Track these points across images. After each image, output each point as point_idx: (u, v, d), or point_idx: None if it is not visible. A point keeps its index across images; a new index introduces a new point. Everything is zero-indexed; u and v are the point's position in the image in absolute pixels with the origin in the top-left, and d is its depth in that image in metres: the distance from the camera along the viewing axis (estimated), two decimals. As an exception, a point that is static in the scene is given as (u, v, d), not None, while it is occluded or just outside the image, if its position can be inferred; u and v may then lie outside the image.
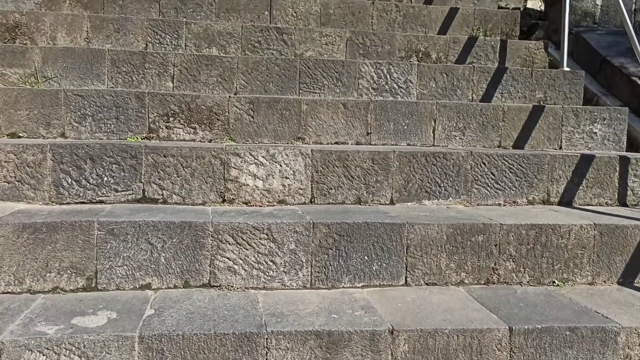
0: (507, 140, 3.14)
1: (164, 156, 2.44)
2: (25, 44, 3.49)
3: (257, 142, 2.94)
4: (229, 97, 2.93)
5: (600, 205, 2.78)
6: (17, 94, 2.75)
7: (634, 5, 4.32)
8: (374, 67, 3.44)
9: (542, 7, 4.92)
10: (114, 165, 2.40)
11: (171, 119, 2.88)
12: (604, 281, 2.34)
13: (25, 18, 3.51)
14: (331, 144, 3.01)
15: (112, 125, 2.82)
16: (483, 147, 3.11)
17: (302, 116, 2.98)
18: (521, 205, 2.70)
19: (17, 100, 2.75)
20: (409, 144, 3.07)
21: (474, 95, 3.51)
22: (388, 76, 3.45)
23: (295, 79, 3.37)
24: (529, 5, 5.08)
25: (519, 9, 5.05)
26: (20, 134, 2.75)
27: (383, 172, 2.60)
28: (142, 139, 2.84)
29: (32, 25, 3.52)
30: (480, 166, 2.67)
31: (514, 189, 2.70)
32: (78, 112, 2.80)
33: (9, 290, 1.98)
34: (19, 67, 3.13)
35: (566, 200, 2.75)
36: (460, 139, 3.11)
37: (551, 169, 2.72)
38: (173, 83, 3.27)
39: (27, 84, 3.11)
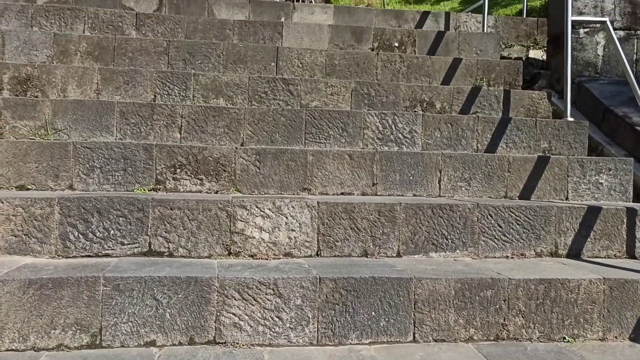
0: (513, 190, 3.14)
1: (171, 209, 2.45)
2: (36, 97, 3.56)
3: (263, 193, 2.95)
4: (236, 148, 2.95)
5: (608, 257, 2.75)
6: (27, 147, 2.79)
7: (635, 55, 4.38)
8: (379, 117, 3.48)
9: (544, 57, 5.00)
10: (120, 219, 2.41)
11: (178, 170, 2.90)
12: (615, 337, 2.29)
13: (37, 71, 3.59)
14: (337, 194, 3.02)
15: (120, 177, 2.84)
16: (489, 197, 3.11)
17: (308, 167, 3.00)
18: (529, 257, 2.68)
19: (26, 153, 2.79)
20: (415, 195, 3.08)
21: (478, 145, 3.54)
22: (393, 126, 3.48)
23: (301, 129, 3.40)
24: (531, 55, 5.17)
25: (521, 58, 5.13)
26: (28, 186, 2.78)
27: (389, 224, 2.60)
28: (149, 190, 2.86)
29: (43, 78, 3.59)
30: (487, 218, 2.66)
31: (522, 241, 2.69)
32: (86, 164, 2.83)
33: (13, 347, 1.96)
34: (29, 120, 3.18)
35: (574, 253, 2.73)
36: (466, 189, 3.12)
37: (558, 220, 2.71)
38: (181, 134, 3.31)
39: (37, 136, 3.15)
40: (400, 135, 3.48)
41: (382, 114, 3.49)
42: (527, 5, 6.93)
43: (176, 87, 3.73)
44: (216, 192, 2.91)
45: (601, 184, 3.21)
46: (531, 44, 5.32)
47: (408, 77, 4.30)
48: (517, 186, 3.15)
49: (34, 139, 3.10)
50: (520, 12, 8.70)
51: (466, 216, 2.65)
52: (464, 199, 2.95)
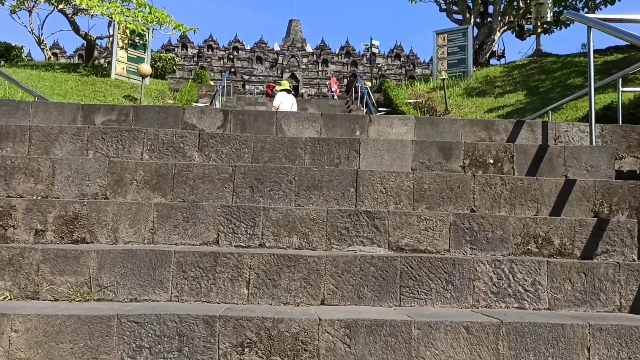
0: (693, 377, 2.33)
1: None
2: (83, 238, 3.08)
3: (354, 378, 2.26)
4: (319, 321, 2.31)
5: None
6: (62, 322, 2.24)
7: None
8: (492, 265, 2.79)
9: (670, 173, 4.24)
10: None
11: (247, 349, 2.27)
12: None
13: (86, 209, 3.12)
14: (451, 380, 2.30)
15: (174, 360, 2.23)
16: (660, 387, 2.31)
17: (413, 344, 2.31)
18: None
19: (60, 330, 2.23)
20: (556, 383, 2.31)
21: (622, 300, 2.77)
22: (510, 277, 2.78)
23: (395, 281, 2.75)
24: (653, 170, 4.41)
25: (635, 172, 4.39)
26: (60, 375, 2.19)
27: None
28: (209, 378, 2.22)
29: (92, 217, 3.12)
30: None
31: None
32: (133, 343, 2.23)
33: None
34: (71, 275, 2.66)
35: None
36: (625, 375, 2.34)
37: None
38: (248, 289, 2.71)
39: (78, 294, 2.61)
40: (520, 288, 2.77)
41: (495, 261, 2.80)
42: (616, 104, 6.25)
43: (242, 224, 3.18)
44: (295, 380, 2.25)
45: None
46: (648, 156, 4.59)
47: (512, 203, 3.62)
48: (696, 371, 2.34)
49: (74, 299, 2.57)
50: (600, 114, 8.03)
51: None
52: (631, 395, 2.17)
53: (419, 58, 53.69)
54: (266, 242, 3.17)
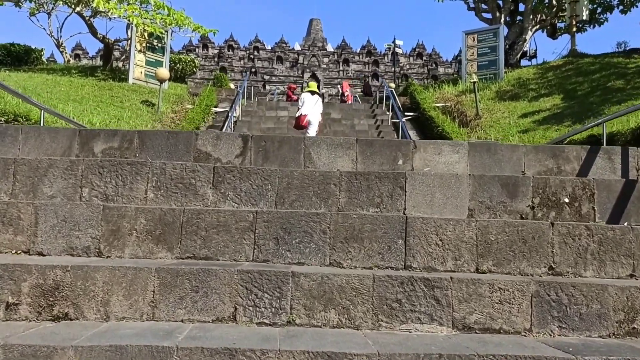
0: None
1: None
2: (66, 314, 2.43)
3: None
4: None
5: None
6: None
7: None
8: (602, 367, 2.07)
9: None
10: None
11: None
12: None
13: (70, 276, 2.48)
14: None
15: None
16: None
17: None
18: None
19: None
20: None
21: None
22: (627, 383, 2.06)
23: (470, 388, 2.05)
24: None
25: None
26: None
27: None
28: None
29: (77, 286, 2.47)
30: None
31: None
32: None
33: None
34: (40, 379, 2.01)
35: None
36: None
37: None
38: (275, 399, 2.03)
39: (49, 407, 1.96)
40: (640, 399, 2.05)
41: None
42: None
43: (266, 295, 2.50)
44: None
45: None
46: None
47: (601, 259, 2.89)
48: None
49: (43, 416, 1.92)
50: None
51: None
52: None
53: (441, 57, 52.41)
54: (296, 318, 2.50)
